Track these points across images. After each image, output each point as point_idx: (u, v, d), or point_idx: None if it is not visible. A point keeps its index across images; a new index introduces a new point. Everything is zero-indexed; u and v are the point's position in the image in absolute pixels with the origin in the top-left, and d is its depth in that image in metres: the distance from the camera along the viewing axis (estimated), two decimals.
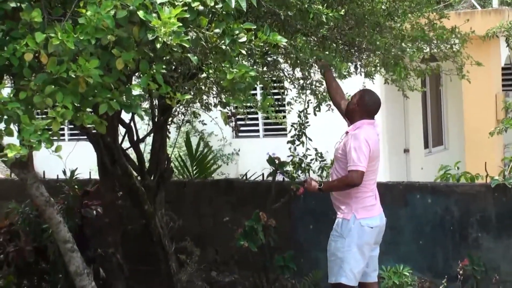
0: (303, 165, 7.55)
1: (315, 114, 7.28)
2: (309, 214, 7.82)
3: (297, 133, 7.47)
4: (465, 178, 7.72)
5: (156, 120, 7.15)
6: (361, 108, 6.03)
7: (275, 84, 7.84)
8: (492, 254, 7.22)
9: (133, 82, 5.79)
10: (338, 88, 6.46)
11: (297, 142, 7.47)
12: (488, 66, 9.99)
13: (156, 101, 7.17)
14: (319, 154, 7.53)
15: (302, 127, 7.48)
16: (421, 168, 12.86)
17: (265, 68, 6.61)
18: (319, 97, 7.26)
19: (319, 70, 6.54)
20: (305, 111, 7.40)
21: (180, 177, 8.96)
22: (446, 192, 7.42)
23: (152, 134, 7.26)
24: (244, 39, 4.03)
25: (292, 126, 7.53)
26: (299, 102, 7.41)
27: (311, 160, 7.64)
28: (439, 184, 7.61)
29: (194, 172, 8.98)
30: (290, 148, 7.51)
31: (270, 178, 7.73)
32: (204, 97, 7.37)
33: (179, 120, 8.08)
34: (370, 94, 6.16)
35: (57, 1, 4.17)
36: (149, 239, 7.31)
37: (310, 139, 7.50)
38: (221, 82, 4.03)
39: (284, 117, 10.19)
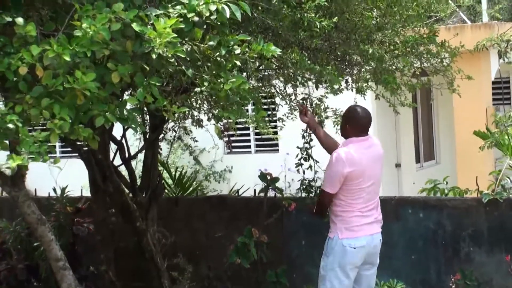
0: (312, 189, 7.45)
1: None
2: (301, 229, 7.81)
3: (303, 155, 7.31)
4: (453, 193, 7.72)
5: (147, 136, 7.15)
6: (351, 125, 5.87)
7: (265, 100, 7.78)
8: (484, 268, 7.22)
9: (125, 96, 5.81)
10: (330, 138, 6.26)
11: (305, 166, 7.28)
12: (479, 80, 10.00)
13: (148, 117, 7.18)
14: None
15: (307, 146, 7.31)
16: (413, 182, 12.85)
17: (259, 84, 6.61)
18: (320, 114, 7.21)
19: (310, 130, 6.49)
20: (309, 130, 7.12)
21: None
22: (438, 206, 7.42)
23: (143, 151, 7.25)
24: (238, 50, 4.02)
25: (298, 148, 7.36)
26: (291, 118, 7.38)
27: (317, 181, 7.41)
28: (431, 199, 7.62)
29: (178, 192, 8.90)
30: (298, 170, 7.34)
31: (262, 194, 7.72)
32: (196, 113, 7.39)
33: (171, 136, 8.08)
34: (357, 110, 5.96)
35: (48, 17, 4.17)
36: (141, 256, 7.29)
37: (317, 161, 7.31)
38: (217, 94, 4.00)
39: (276, 132, 10.17)
